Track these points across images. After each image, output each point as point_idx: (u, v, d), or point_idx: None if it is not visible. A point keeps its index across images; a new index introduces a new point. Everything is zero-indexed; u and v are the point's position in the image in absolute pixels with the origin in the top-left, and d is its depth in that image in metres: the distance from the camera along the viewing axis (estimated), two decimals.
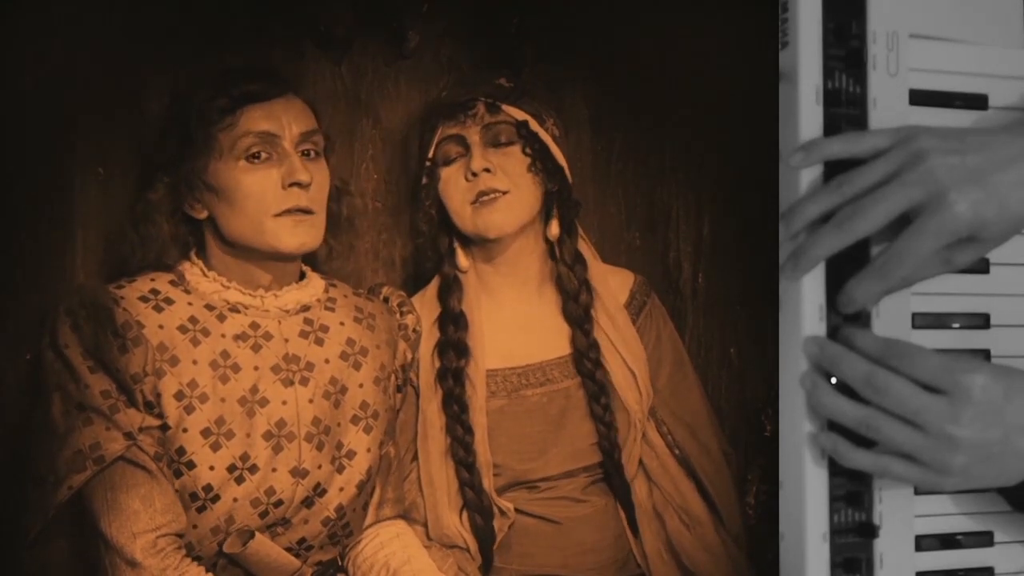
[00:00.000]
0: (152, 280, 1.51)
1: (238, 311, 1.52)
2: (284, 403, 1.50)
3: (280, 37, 1.79)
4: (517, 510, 1.73)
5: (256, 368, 1.50)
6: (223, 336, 1.49)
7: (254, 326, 1.52)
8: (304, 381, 1.53)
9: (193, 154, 1.49)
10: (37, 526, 1.41)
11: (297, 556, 1.51)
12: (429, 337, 1.75)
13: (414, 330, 1.71)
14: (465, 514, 1.73)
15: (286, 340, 1.54)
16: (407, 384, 1.72)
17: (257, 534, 1.46)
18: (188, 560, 1.42)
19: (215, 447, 1.44)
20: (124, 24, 1.65)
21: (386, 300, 1.71)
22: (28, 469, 1.43)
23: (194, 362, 1.46)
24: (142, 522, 1.39)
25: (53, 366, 1.43)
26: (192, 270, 1.54)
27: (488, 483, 1.71)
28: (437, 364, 1.74)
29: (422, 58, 1.90)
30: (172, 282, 1.52)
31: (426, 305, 1.78)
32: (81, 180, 1.68)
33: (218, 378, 1.47)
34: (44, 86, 1.61)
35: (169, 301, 1.49)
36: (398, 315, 1.70)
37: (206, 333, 1.49)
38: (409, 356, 1.70)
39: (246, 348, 1.50)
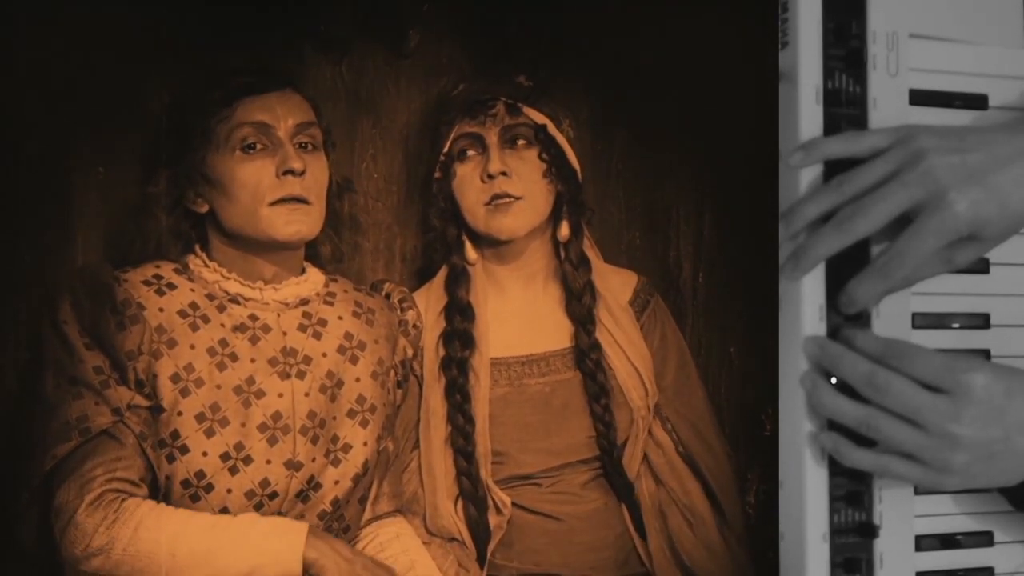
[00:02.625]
0: (157, 267, 1.54)
1: (237, 302, 1.54)
2: (280, 396, 1.51)
3: (280, 37, 1.79)
4: (518, 506, 1.73)
5: (253, 360, 1.51)
6: (222, 325, 1.51)
7: (252, 318, 1.53)
8: (301, 375, 1.53)
9: (192, 147, 1.51)
10: (23, 496, 1.41)
11: None
12: (435, 326, 1.76)
13: (414, 326, 1.72)
14: (460, 504, 1.73)
15: (284, 333, 1.55)
16: (408, 380, 1.72)
17: None
18: (119, 500, 1.38)
19: (209, 433, 1.45)
20: (124, 26, 1.65)
21: (387, 296, 1.72)
22: (20, 444, 1.43)
23: (192, 347, 1.48)
24: (96, 483, 1.38)
25: (50, 341, 1.44)
26: (195, 261, 1.56)
27: (486, 473, 1.72)
28: (442, 353, 1.75)
29: (422, 58, 1.90)
30: (176, 270, 1.55)
31: (433, 295, 1.79)
32: (81, 180, 1.68)
33: (215, 365, 1.48)
34: (44, 86, 1.61)
35: (172, 286, 1.52)
36: (399, 311, 1.71)
37: (206, 320, 1.50)
38: (410, 352, 1.71)
39: (244, 339, 1.51)
